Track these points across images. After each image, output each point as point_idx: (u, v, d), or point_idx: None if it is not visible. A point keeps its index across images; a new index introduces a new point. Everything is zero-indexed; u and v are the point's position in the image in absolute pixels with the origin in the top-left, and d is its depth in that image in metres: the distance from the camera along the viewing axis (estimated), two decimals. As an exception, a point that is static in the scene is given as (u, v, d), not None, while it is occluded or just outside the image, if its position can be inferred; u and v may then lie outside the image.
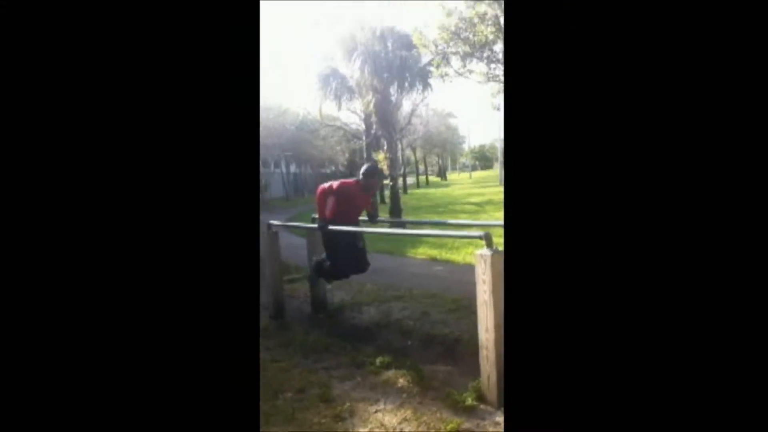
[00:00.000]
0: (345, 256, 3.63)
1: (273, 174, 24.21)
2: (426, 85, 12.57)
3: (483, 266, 2.18)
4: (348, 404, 2.29)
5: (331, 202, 3.57)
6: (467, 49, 7.08)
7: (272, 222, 4.14)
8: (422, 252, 6.52)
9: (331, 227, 3.49)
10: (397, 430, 2.05)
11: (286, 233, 7.92)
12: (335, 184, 3.65)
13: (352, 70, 12.07)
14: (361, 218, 3.79)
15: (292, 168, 27.89)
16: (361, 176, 3.67)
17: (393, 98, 12.31)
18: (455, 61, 7.59)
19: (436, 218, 9.94)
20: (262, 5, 1.30)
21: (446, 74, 7.97)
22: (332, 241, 3.61)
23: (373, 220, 4.01)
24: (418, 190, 29.77)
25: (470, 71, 7.53)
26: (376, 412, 2.22)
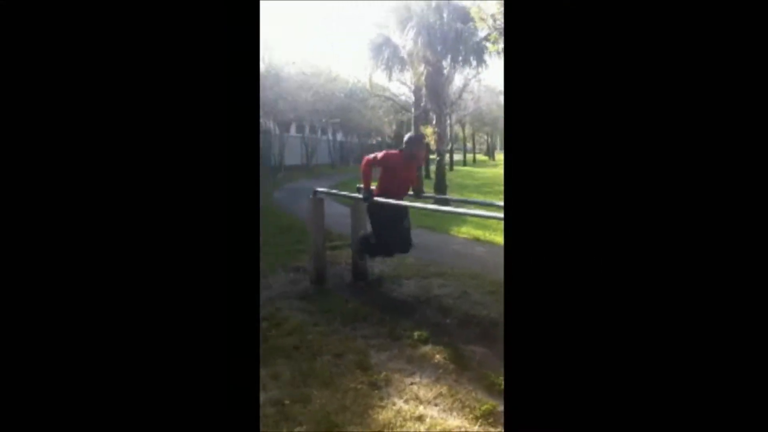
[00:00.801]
0: (389, 234, 3.65)
1: (320, 141, 24.38)
2: (480, 61, 12.24)
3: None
4: (384, 373, 2.34)
5: (376, 173, 3.58)
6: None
7: (318, 189, 4.20)
8: (465, 231, 6.47)
9: (375, 199, 3.50)
10: (432, 404, 2.08)
11: (330, 201, 8.03)
12: (380, 155, 3.64)
13: (405, 41, 11.84)
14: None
15: (339, 136, 27.99)
16: (404, 144, 3.65)
17: (445, 72, 12.05)
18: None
19: (480, 198, 9.80)
20: (262, 5, 1.30)
21: (501, 50, 7.70)
22: (378, 216, 3.63)
23: (418, 195, 3.99)
24: (464, 168, 29.34)
25: (528, 48, 7.24)
26: (411, 384, 2.26)
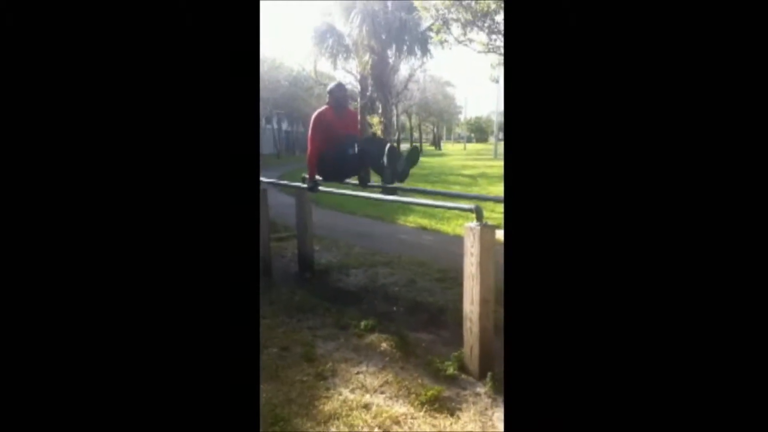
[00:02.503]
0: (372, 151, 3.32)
1: (264, 130, 23.83)
2: (425, 51, 12.30)
3: (471, 239, 2.19)
4: (330, 364, 2.33)
5: (311, 139, 3.43)
6: (468, 16, 6.89)
7: (261, 179, 4.10)
8: (412, 220, 6.53)
9: (319, 186, 3.44)
10: (378, 392, 2.09)
11: (275, 191, 7.88)
12: (311, 124, 3.51)
13: (350, 28, 11.75)
14: (352, 181, 3.74)
15: (284, 125, 27.46)
16: (327, 96, 3.58)
17: (390, 61, 12.06)
18: (456, 29, 7.40)
19: (428, 187, 9.92)
20: (262, 5, 1.29)
21: (445, 41, 7.77)
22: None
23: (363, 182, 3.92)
24: (409, 157, 29.57)
25: (470, 40, 7.34)
26: (357, 373, 2.26)
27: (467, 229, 2.21)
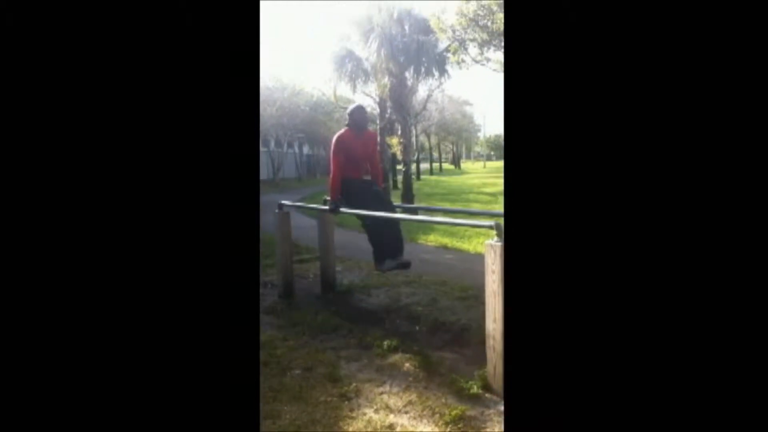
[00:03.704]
0: (383, 235, 3.51)
1: (286, 154, 24.22)
2: (443, 71, 12.42)
3: (492, 256, 2.18)
4: (354, 384, 2.33)
5: (333, 161, 3.50)
6: (485, 36, 6.98)
7: (284, 202, 4.17)
8: (433, 239, 6.52)
9: (342, 210, 3.49)
10: (402, 412, 2.08)
11: (297, 214, 7.97)
12: (332, 148, 3.58)
13: (368, 53, 11.95)
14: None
15: (305, 149, 27.86)
16: (347, 117, 3.63)
17: (409, 83, 12.20)
18: (472, 49, 7.49)
19: (448, 206, 9.92)
20: (262, 5, 1.30)
21: (463, 61, 7.87)
22: (368, 221, 3.52)
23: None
24: (431, 177, 29.62)
25: (487, 59, 7.43)
26: (381, 393, 2.25)
27: (488, 247, 2.21)
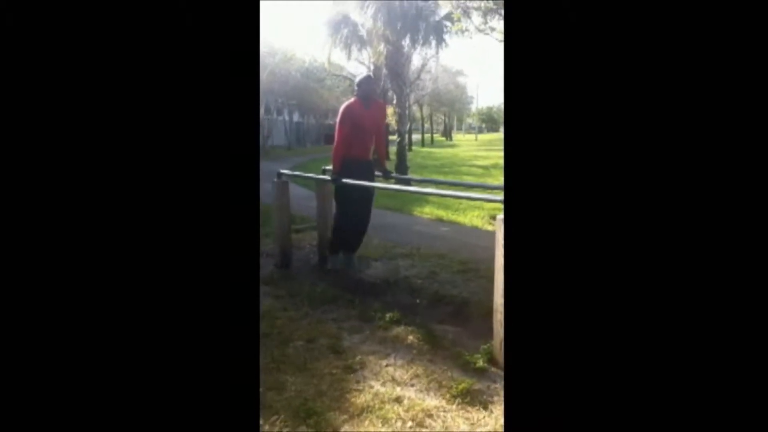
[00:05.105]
0: (355, 210, 3.59)
1: (276, 121, 23.83)
2: (440, 40, 12.19)
3: (503, 231, 2.15)
4: (358, 357, 2.32)
5: (338, 131, 3.45)
6: (490, 4, 6.78)
7: (282, 171, 4.09)
8: (428, 211, 6.50)
9: (344, 180, 3.43)
10: (408, 385, 2.08)
11: (291, 183, 7.87)
12: (339, 117, 3.51)
13: (365, 18, 11.66)
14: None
15: (296, 117, 27.42)
16: (355, 88, 3.56)
17: (405, 51, 11.95)
18: (476, 17, 7.29)
19: (441, 178, 9.86)
20: (262, 5, 1.29)
21: (466, 29, 7.67)
22: (345, 193, 3.55)
23: (386, 175, 3.93)
24: (423, 149, 29.43)
25: (492, 28, 7.23)
26: (386, 366, 2.25)
27: (499, 222, 2.18)
